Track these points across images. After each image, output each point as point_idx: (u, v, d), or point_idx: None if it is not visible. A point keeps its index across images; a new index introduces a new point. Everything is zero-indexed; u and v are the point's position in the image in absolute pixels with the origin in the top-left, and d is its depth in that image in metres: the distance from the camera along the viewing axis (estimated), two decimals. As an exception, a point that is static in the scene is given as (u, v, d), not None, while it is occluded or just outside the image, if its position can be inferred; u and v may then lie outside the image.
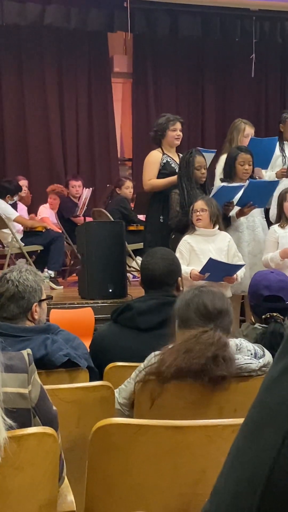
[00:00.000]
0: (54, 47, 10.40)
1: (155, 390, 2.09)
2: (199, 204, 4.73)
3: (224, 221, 5.00)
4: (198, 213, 4.72)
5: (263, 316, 2.86)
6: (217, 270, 4.55)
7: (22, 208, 8.41)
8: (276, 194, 5.17)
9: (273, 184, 5.27)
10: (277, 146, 5.68)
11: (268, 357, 2.24)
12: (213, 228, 4.75)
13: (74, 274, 7.92)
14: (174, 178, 5.46)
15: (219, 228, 4.78)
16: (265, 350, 2.27)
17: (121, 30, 9.94)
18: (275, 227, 4.94)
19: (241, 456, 0.65)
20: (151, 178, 5.66)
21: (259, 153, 5.41)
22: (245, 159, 5.21)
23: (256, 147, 5.42)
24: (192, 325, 2.21)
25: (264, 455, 0.62)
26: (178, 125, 5.70)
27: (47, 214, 8.59)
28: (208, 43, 10.85)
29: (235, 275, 4.65)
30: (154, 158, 5.72)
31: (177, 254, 4.40)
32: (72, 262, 8.42)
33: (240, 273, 4.68)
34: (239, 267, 4.66)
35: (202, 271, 4.51)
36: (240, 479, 0.64)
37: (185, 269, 4.39)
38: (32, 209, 9.00)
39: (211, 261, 4.47)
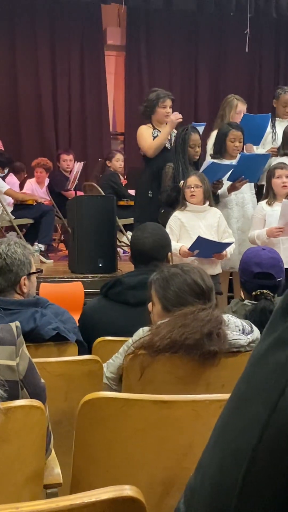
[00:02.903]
0: (47, 18, 10.28)
1: (145, 361, 2.09)
2: (193, 180, 4.69)
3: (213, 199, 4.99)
4: (192, 189, 4.68)
5: (253, 293, 2.87)
6: (206, 248, 4.55)
7: (15, 182, 8.34)
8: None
9: (264, 157, 5.24)
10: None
11: (256, 333, 2.24)
12: (203, 204, 4.73)
13: (64, 249, 7.91)
14: (169, 129, 5.44)
15: (209, 204, 4.76)
16: (253, 326, 2.27)
17: (115, 2, 9.82)
18: (263, 203, 4.91)
19: (227, 430, 0.65)
20: (150, 142, 5.58)
21: (252, 129, 5.38)
22: (236, 136, 5.19)
23: (248, 124, 5.39)
24: (185, 303, 2.21)
25: (250, 430, 0.62)
26: (168, 102, 5.62)
27: (30, 189, 8.46)
28: (203, 17, 10.73)
29: (224, 252, 4.65)
30: (146, 130, 5.67)
31: (167, 230, 4.39)
32: (61, 237, 8.39)
33: (229, 249, 4.68)
34: (227, 244, 4.65)
35: (191, 249, 4.50)
36: (225, 453, 0.64)
37: (175, 245, 4.38)
38: (22, 184, 8.92)
39: (200, 239, 4.46)
